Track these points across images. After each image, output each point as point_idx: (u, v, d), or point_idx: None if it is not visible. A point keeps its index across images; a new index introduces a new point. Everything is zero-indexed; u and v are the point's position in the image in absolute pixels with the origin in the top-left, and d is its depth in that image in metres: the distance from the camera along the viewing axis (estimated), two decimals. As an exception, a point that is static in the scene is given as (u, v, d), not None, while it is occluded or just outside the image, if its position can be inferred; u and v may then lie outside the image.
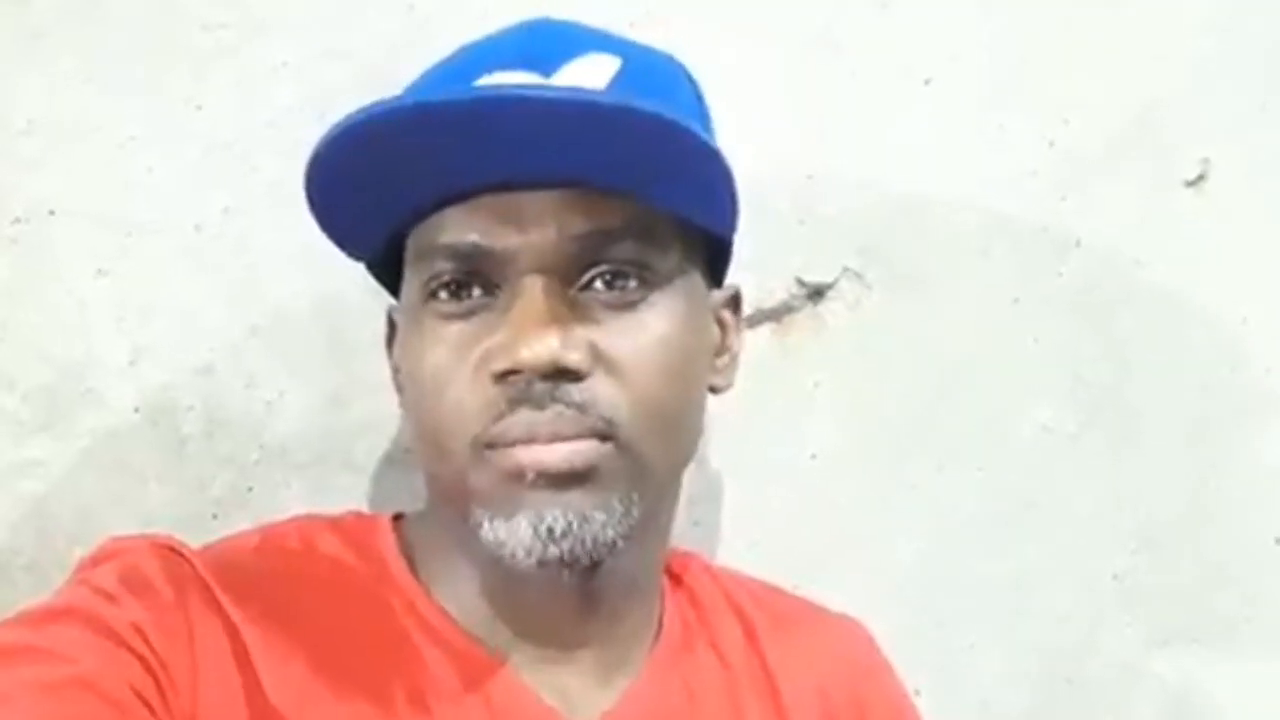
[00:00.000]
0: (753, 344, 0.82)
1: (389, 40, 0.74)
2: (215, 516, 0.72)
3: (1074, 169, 0.88)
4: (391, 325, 0.61)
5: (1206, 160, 0.91)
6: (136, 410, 0.71)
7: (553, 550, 0.51)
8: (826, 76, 0.84)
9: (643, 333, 0.53)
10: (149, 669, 0.50)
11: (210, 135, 0.72)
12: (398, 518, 0.62)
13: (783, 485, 0.84)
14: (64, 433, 0.70)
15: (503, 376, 0.51)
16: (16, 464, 0.70)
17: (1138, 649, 0.91)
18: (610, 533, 0.52)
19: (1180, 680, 0.92)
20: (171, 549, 0.56)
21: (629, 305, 0.54)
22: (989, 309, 0.87)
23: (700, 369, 0.58)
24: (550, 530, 0.51)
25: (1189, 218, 0.91)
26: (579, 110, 0.49)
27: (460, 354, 0.53)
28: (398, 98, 0.50)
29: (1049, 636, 0.89)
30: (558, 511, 0.51)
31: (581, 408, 0.51)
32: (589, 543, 0.52)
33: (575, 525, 0.51)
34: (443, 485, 0.56)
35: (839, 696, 0.66)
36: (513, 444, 0.52)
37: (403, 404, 0.59)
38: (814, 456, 0.84)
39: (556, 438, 0.51)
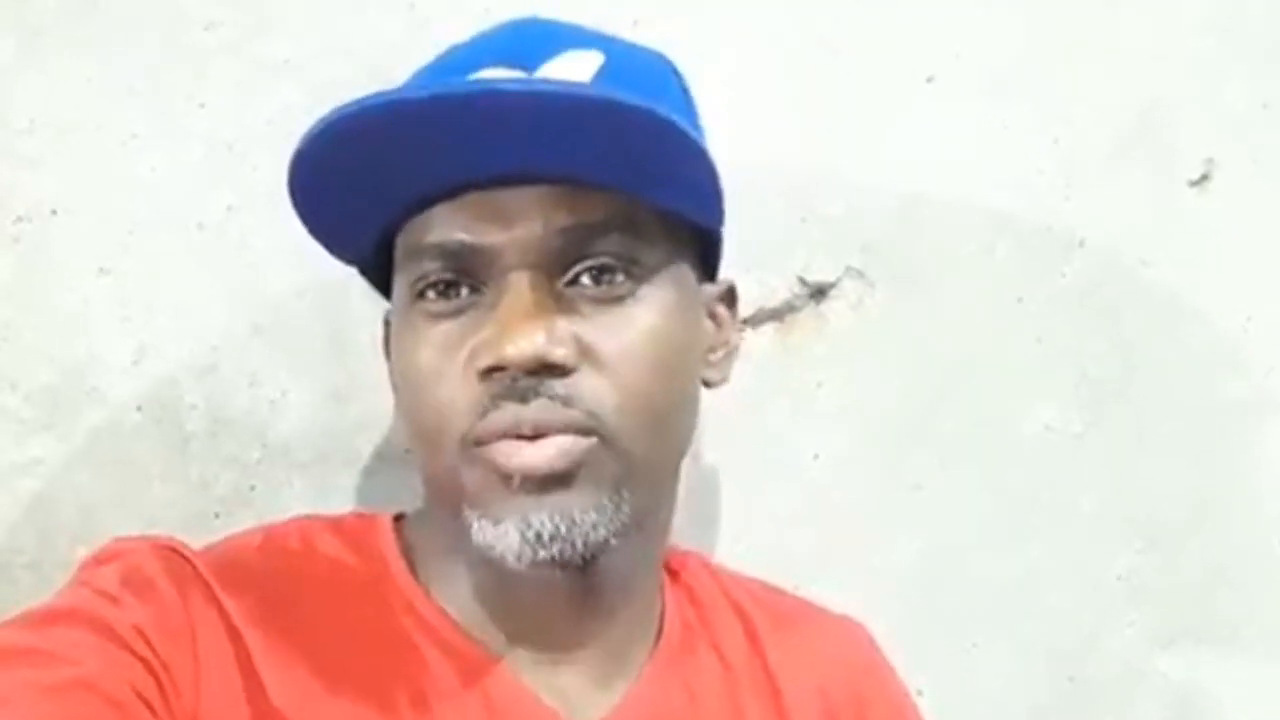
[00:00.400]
0: (755, 344, 0.82)
1: (390, 38, 0.74)
2: (218, 516, 0.72)
3: (1078, 168, 0.88)
4: (388, 328, 0.61)
5: (1211, 160, 0.91)
6: (139, 409, 0.71)
7: (542, 554, 0.51)
8: (828, 74, 0.84)
9: (630, 327, 0.53)
10: (151, 670, 0.50)
11: (212, 134, 0.72)
12: (399, 517, 0.62)
13: (785, 485, 0.83)
14: (66, 432, 0.70)
15: (488, 373, 0.51)
16: (19, 463, 0.70)
17: (1141, 649, 0.91)
18: (601, 532, 0.52)
19: (1184, 680, 0.91)
20: (173, 550, 0.56)
21: (616, 299, 0.53)
22: (992, 308, 0.87)
23: (691, 362, 0.58)
24: (538, 535, 0.51)
25: (1193, 217, 0.91)
26: (555, 104, 0.49)
27: (449, 353, 0.53)
28: (376, 94, 0.50)
29: (1052, 636, 0.89)
30: (544, 516, 0.51)
31: (566, 401, 0.51)
32: (579, 544, 0.52)
33: (563, 528, 0.51)
34: (436, 485, 0.56)
35: (840, 697, 0.66)
36: (499, 439, 0.51)
37: (398, 405, 0.59)
38: (816, 456, 0.84)
39: (540, 429, 0.51)
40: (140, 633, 0.50)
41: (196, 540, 0.58)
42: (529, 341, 0.50)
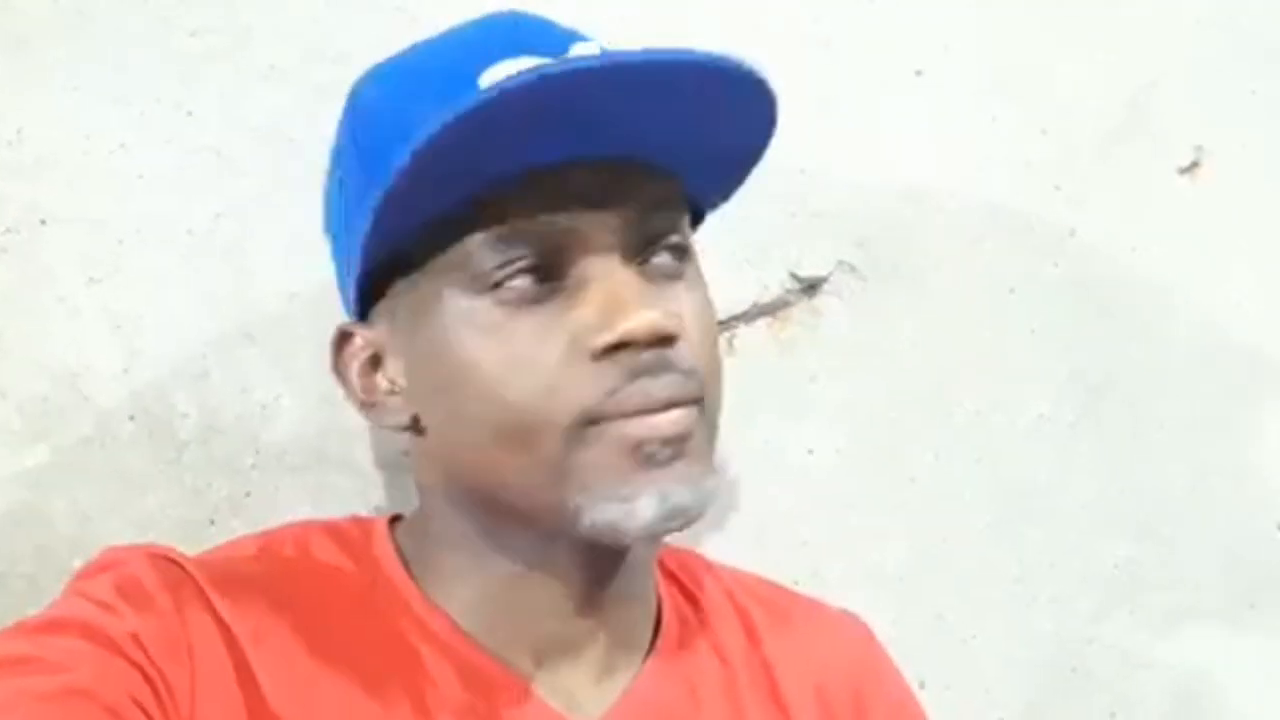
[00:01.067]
0: (749, 339, 0.82)
1: (378, 42, 0.74)
2: (213, 522, 0.72)
3: (1067, 158, 0.88)
4: (345, 340, 0.58)
5: (1200, 147, 0.91)
6: (131, 417, 0.71)
7: (671, 524, 0.53)
8: (818, 68, 0.84)
9: (696, 300, 0.55)
10: (147, 678, 0.49)
11: (200, 140, 0.72)
12: (395, 520, 0.62)
13: (780, 479, 0.83)
14: (58, 442, 0.70)
15: (607, 352, 0.51)
16: (11, 473, 0.69)
17: (1139, 638, 0.91)
18: (712, 500, 0.54)
19: (1183, 668, 0.92)
20: (168, 558, 0.55)
21: (680, 275, 0.55)
22: (985, 300, 0.87)
23: None
24: (676, 506, 0.52)
25: (1183, 205, 0.91)
26: (695, 71, 0.50)
27: (543, 339, 0.52)
28: (540, 68, 0.48)
29: (1051, 626, 0.89)
30: (682, 488, 0.52)
31: (687, 373, 0.53)
32: (698, 512, 0.53)
33: (695, 499, 0.53)
34: (519, 480, 0.53)
35: (838, 693, 0.65)
36: (629, 415, 0.52)
37: (438, 407, 0.55)
38: (811, 451, 0.84)
39: (671, 404, 0.52)
40: (136, 641, 0.50)
41: (192, 547, 0.58)
42: (644, 317, 0.51)
